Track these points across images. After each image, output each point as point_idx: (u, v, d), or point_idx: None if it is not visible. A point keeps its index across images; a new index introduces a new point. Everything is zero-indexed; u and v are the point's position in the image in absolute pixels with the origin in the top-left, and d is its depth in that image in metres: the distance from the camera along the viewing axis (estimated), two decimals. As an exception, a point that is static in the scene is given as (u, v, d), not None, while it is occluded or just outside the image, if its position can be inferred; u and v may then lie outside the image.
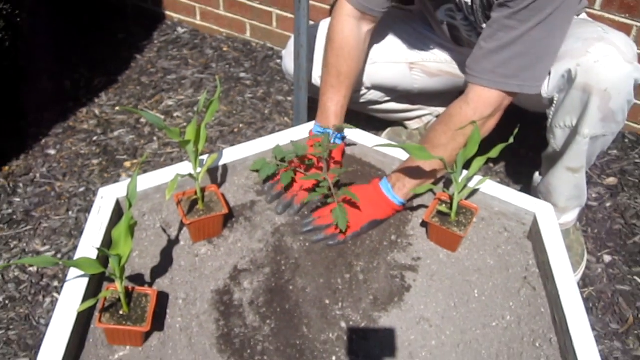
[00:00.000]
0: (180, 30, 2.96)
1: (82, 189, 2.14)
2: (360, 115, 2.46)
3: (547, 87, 1.54)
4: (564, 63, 1.48)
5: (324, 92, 1.70)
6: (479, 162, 1.45)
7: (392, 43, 1.92)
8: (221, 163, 1.58)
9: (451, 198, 1.43)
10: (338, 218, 1.41)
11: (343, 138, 1.69)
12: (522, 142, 2.28)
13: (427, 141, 1.52)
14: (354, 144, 1.69)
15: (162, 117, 2.45)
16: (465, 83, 1.51)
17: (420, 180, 1.49)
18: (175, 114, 2.47)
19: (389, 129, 2.27)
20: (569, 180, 1.69)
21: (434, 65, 1.95)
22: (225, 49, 2.84)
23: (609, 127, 1.52)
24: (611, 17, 2.13)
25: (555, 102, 1.56)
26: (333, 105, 1.68)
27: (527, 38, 1.40)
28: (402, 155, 1.63)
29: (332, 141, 1.61)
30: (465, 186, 1.46)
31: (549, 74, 1.52)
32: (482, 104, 1.46)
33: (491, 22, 1.44)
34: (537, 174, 1.82)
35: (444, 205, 1.45)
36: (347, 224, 1.42)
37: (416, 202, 1.56)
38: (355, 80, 1.74)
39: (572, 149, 1.57)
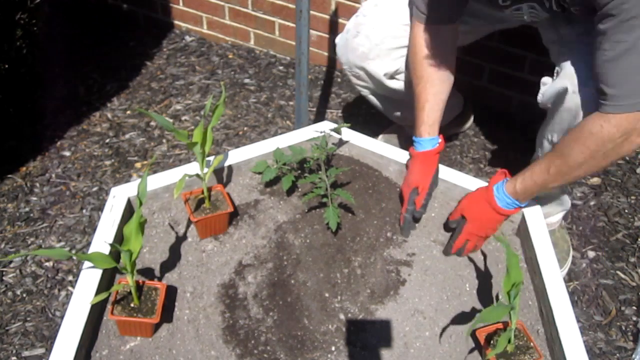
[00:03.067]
0: (188, 38, 2.96)
1: (95, 189, 2.14)
2: (358, 117, 2.46)
3: (543, 96, 1.51)
4: (565, 81, 1.40)
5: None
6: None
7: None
8: (226, 164, 1.58)
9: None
10: (329, 218, 1.41)
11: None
12: (513, 147, 2.28)
13: (560, 157, 1.34)
14: (353, 145, 1.69)
15: (171, 120, 2.45)
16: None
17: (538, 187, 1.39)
18: (183, 118, 2.47)
19: (381, 136, 2.26)
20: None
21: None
22: (230, 56, 2.84)
23: None
24: None
25: (548, 112, 1.53)
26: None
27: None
28: (397, 156, 1.63)
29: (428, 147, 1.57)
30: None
31: (545, 83, 1.50)
32: (625, 122, 1.23)
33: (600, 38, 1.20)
34: None
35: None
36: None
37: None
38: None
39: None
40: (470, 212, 1.43)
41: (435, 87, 1.60)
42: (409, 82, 1.77)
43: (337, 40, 1.92)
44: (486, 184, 1.50)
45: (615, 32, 1.17)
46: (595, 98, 1.26)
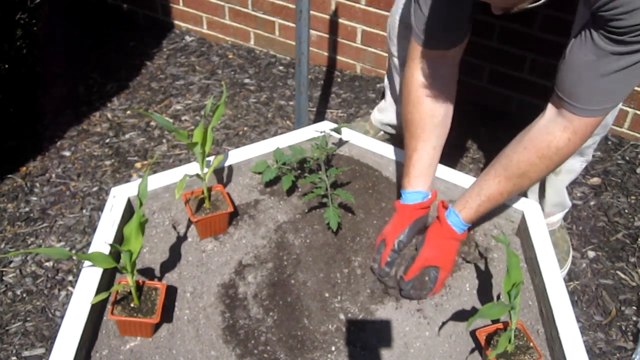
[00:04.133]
0: (188, 38, 2.96)
1: (95, 189, 2.14)
2: (358, 117, 2.46)
3: None
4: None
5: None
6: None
7: None
8: (227, 164, 1.58)
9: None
10: (330, 218, 1.41)
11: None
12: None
13: (522, 176, 1.30)
14: (353, 145, 1.69)
15: (171, 120, 2.45)
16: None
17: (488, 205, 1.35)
18: (183, 118, 2.47)
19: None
20: (551, 183, 1.69)
21: None
22: (230, 56, 2.84)
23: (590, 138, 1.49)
24: None
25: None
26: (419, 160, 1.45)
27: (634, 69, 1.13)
28: (397, 156, 1.63)
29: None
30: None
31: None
32: (590, 131, 1.23)
33: (594, 51, 1.12)
34: None
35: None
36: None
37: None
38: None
39: None
40: (427, 245, 1.37)
41: (427, 134, 1.43)
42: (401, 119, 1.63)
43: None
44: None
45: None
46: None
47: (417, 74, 1.42)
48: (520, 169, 1.28)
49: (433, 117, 1.43)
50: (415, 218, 1.41)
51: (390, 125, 2.10)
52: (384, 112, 2.10)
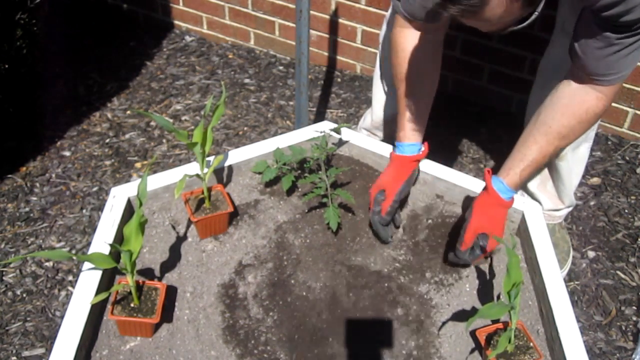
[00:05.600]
0: (188, 38, 2.96)
1: (95, 189, 2.14)
2: (358, 117, 2.46)
3: None
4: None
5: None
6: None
7: None
8: (227, 164, 1.58)
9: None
10: (330, 218, 1.41)
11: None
12: (510, 144, 2.28)
13: (562, 139, 1.38)
14: (353, 145, 1.69)
15: (171, 120, 2.45)
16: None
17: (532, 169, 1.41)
18: (183, 118, 2.47)
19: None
20: (560, 170, 1.71)
21: None
22: (230, 56, 2.84)
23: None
24: None
25: None
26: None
27: None
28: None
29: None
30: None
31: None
32: (615, 93, 1.35)
33: (604, 34, 1.22)
34: None
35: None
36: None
37: (414, 206, 1.56)
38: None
39: None
40: (476, 213, 1.39)
41: (418, 91, 1.53)
42: (390, 83, 1.74)
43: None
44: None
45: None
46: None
47: (404, 35, 1.51)
48: (561, 134, 1.37)
49: (424, 74, 1.53)
50: (413, 169, 1.48)
51: (372, 129, 2.09)
52: (366, 118, 2.10)
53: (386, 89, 1.93)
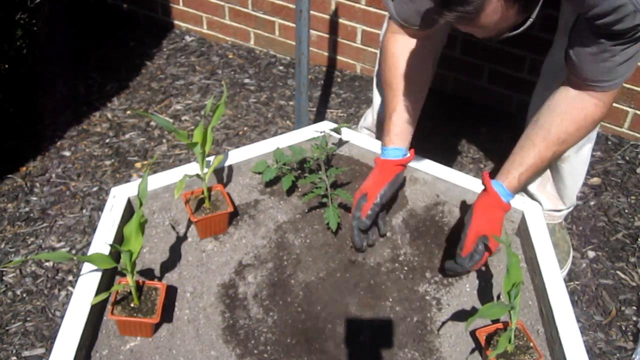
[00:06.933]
0: (188, 38, 2.96)
1: (95, 189, 2.14)
2: (358, 117, 2.46)
3: None
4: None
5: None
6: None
7: None
8: (227, 164, 1.58)
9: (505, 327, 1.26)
10: (329, 218, 1.41)
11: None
12: (513, 147, 2.28)
13: (561, 144, 1.39)
14: (353, 145, 1.69)
15: (171, 120, 2.45)
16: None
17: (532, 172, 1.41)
18: (183, 118, 2.47)
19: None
20: (561, 171, 1.71)
21: None
22: (230, 56, 2.84)
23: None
24: None
25: None
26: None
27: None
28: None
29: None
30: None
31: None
32: (612, 99, 1.37)
33: (598, 41, 1.24)
34: None
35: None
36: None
37: (414, 206, 1.56)
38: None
39: None
40: (476, 216, 1.38)
41: (406, 97, 1.52)
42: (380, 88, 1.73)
43: None
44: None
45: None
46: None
47: (394, 41, 1.51)
48: (560, 139, 1.38)
49: (412, 81, 1.51)
50: (396, 174, 1.46)
51: (374, 128, 2.09)
52: (367, 118, 2.10)
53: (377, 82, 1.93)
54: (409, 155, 1.50)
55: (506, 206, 1.38)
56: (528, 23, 1.15)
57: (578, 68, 1.30)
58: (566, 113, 1.36)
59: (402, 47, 1.52)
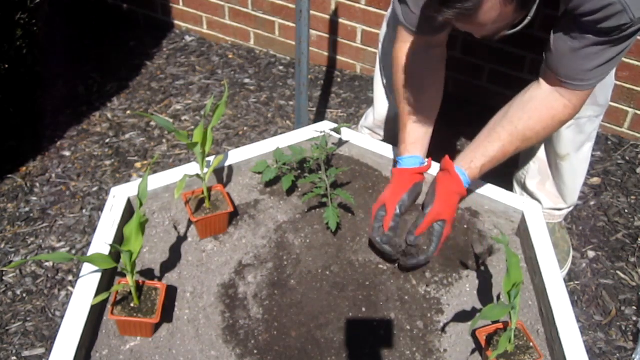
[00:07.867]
0: (188, 38, 2.96)
1: (95, 189, 2.14)
2: (358, 117, 2.46)
3: None
4: None
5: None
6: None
7: None
8: (227, 164, 1.58)
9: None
10: (329, 218, 1.41)
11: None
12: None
13: (524, 141, 1.41)
14: (353, 145, 1.69)
15: (171, 120, 2.45)
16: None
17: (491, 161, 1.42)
18: (183, 118, 2.47)
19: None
20: (557, 166, 1.71)
21: None
22: (230, 56, 2.84)
23: (591, 108, 1.53)
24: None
25: None
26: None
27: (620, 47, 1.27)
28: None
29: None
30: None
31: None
32: (585, 100, 1.39)
33: (582, 36, 1.24)
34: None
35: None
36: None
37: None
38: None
39: (558, 135, 1.60)
40: (439, 200, 1.39)
41: (420, 105, 1.51)
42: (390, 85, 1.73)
43: None
44: (484, 181, 1.50)
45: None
46: None
47: (404, 51, 1.50)
48: (525, 136, 1.40)
49: (426, 89, 1.52)
50: (414, 183, 1.45)
51: (375, 128, 2.09)
52: (368, 117, 2.10)
53: (387, 88, 1.93)
54: (426, 163, 1.49)
55: (464, 192, 1.42)
56: (526, 21, 1.16)
57: (556, 61, 1.32)
58: (536, 111, 1.39)
59: (412, 56, 1.50)
